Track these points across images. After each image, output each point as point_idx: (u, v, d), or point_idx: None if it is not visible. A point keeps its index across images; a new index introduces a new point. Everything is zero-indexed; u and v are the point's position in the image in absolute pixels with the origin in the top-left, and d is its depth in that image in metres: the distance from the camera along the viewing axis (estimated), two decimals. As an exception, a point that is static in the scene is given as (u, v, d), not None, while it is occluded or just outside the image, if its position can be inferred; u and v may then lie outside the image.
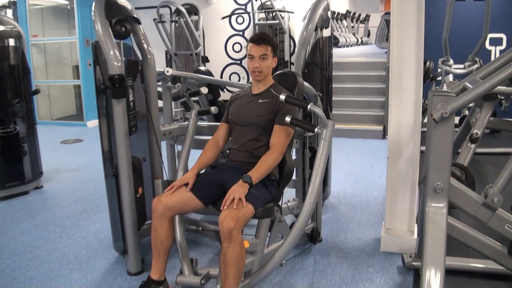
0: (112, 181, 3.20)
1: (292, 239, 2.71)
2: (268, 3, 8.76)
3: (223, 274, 2.58)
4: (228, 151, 3.15)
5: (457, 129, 5.24)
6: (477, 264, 3.11)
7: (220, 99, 4.30)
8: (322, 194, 3.75)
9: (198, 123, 3.69)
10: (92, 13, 3.00)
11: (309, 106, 2.50)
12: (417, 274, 3.15)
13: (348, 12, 17.80)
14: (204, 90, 3.23)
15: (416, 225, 3.58)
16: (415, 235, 3.52)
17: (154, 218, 2.79)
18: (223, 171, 2.97)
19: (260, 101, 2.97)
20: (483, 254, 2.81)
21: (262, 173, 2.75)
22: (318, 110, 2.50)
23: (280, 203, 3.11)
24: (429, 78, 6.89)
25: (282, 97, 2.59)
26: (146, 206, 3.47)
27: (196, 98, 4.02)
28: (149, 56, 3.39)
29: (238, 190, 2.61)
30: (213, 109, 3.29)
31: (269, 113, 2.91)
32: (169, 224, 2.82)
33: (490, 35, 6.97)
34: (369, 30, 20.21)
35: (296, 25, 8.97)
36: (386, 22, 15.31)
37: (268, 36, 3.08)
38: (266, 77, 3.01)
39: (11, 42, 4.98)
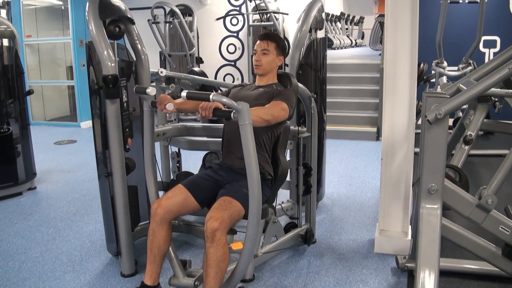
0: (105, 182, 3.19)
1: (251, 232, 2.52)
2: (263, 4, 8.76)
3: (204, 274, 2.56)
4: (221, 152, 3.15)
5: (450, 131, 5.26)
6: (471, 266, 3.12)
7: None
8: (316, 195, 3.75)
9: (192, 124, 3.68)
10: (86, 13, 2.98)
11: (211, 96, 2.37)
12: (411, 276, 3.16)
13: (342, 14, 17.86)
14: (152, 91, 2.87)
15: (410, 226, 3.58)
16: (409, 237, 3.52)
17: (153, 222, 2.73)
18: (217, 172, 2.96)
19: (261, 89, 3.06)
20: (477, 255, 2.82)
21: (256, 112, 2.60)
22: (226, 99, 2.35)
23: (274, 204, 3.11)
24: (423, 80, 6.91)
25: (184, 93, 2.42)
26: (140, 207, 3.46)
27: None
28: (143, 57, 3.37)
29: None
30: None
31: (267, 99, 2.94)
32: (168, 228, 2.77)
33: (484, 38, 7.01)
34: (363, 32, 20.26)
35: (290, 27, 8.98)
36: (380, 24, 15.34)
37: (276, 35, 3.20)
38: (269, 73, 3.11)
39: (5, 42, 4.95)
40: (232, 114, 2.36)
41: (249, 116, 2.35)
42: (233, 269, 2.68)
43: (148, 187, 3.03)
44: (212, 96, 2.33)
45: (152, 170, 3.02)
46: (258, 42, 3.10)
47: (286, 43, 3.29)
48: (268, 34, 3.16)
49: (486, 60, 7.95)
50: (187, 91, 2.44)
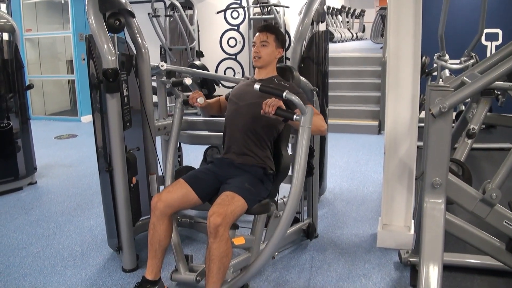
0: (106, 176, 3.17)
1: (281, 230, 2.57)
2: (263, -3, 8.74)
3: (207, 269, 2.56)
4: (223, 147, 3.13)
5: (453, 124, 5.24)
6: (475, 260, 3.10)
7: (215, 94, 4.28)
8: (318, 189, 3.73)
9: (194, 118, 3.65)
10: (86, 6, 2.96)
11: (284, 94, 2.41)
12: (414, 270, 3.14)
13: (343, 7, 17.79)
14: (188, 81, 3.11)
15: (413, 220, 3.57)
16: (412, 231, 3.51)
17: (153, 216, 2.73)
18: (218, 167, 2.95)
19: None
20: (481, 250, 2.80)
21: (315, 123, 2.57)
22: (295, 97, 2.42)
23: (276, 198, 3.09)
24: (425, 73, 6.88)
25: (257, 86, 2.50)
26: (141, 202, 3.44)
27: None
28: (143, 50, 3.35)
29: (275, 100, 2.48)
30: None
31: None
32: (169, 222, 2.77)
33: (486, 30, 6.97)
34: (364, 25, 20.20)
35: (291, 20, 8.95)
36: (381, 17, 15.30)
37: (275, 27, 3.18)
38: (268, 66, 3.08)
39: (5, 36, 4.92)
40: (295, 117, 2.41)
41: (311, 120, 2.42)
42: (247, 267, 2.72)
43: (165, 180, 3.15)
44: (285, 93, 2.40)
45: (172, 162, 3.13)
46: (257, 34, 3.08)
47: (287, 36, 3.26)
48: (267, 26, 3.15)
49: (488, 53, 7.93)
50: (260, 83, 2.50)
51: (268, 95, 2.53)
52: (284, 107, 2.48)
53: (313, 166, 3.53)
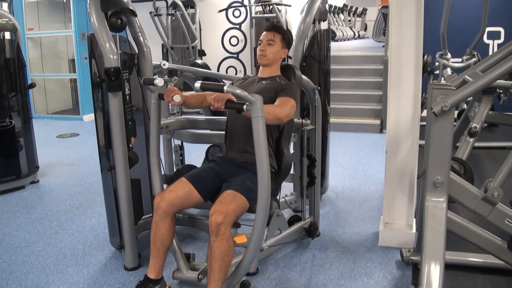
0: (108, 175, 3.17)
1: (259, 221, 2.50)
2: (265, -4, 8.72)
3: (208, 267, 2.57)
4: (224, 145, 3.13)
5: (455, 123, 5.22)
6: (476, 259, 3.11)
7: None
8: (319, 188, 3.73)
9: (196, 116, 3.65)
10: (88, 5, 2.96)
11: (225, 88, 2.37)
12: (415, 269, 3.14)
13: (345, 5, 17.77)
14: (160, 82, 2.91)
15: (414, 219, 3.57)
16: (414, 230, 3.51)
17: (156, 215, 2.74)
18: (220, 166, 2.95)
19: (263, 82, 3.05)
20: (483, 248, 2.79)
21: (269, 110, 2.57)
22: (240, 91, 2.35)
23: (277, 197, 3.09)
24: (427, 71, 6.86)
25: (197, 84, 2.41)
26: (143, 200, 3.44)
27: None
28: (145, 49, 3.36)
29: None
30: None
31: (271, 92, 2.93)
32: (171, 221, 2.77)
33: (488, 29, 6.95)
34: (366, 24, 20.16)
35: (293, 19, 8.93)
36: (383, 15, 15.26)
37: (283, 28, 3.22)
38: (272, 65, 3.11)
39: (7, 35, 4.93)
40: (245, 107, 2.35)
41: (262, 108, 2.34)
42: (238, 263, 2.68)
43: (153, 179, 3.03)
44: (226, 87, 2.34)
45: (157, 163, 3.02)
46: (264, 33, 3.11)
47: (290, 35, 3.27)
48: (275, 25, 3.20)
49: (490, 51, 7.90)
50: (200, 81, 2.43)
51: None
52: (234, 99, 2.42)
53: (315, 176, 3.52)
